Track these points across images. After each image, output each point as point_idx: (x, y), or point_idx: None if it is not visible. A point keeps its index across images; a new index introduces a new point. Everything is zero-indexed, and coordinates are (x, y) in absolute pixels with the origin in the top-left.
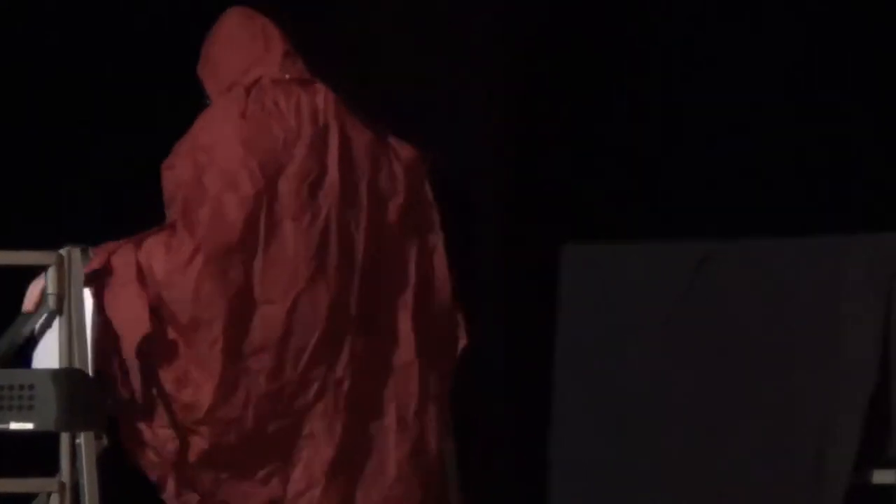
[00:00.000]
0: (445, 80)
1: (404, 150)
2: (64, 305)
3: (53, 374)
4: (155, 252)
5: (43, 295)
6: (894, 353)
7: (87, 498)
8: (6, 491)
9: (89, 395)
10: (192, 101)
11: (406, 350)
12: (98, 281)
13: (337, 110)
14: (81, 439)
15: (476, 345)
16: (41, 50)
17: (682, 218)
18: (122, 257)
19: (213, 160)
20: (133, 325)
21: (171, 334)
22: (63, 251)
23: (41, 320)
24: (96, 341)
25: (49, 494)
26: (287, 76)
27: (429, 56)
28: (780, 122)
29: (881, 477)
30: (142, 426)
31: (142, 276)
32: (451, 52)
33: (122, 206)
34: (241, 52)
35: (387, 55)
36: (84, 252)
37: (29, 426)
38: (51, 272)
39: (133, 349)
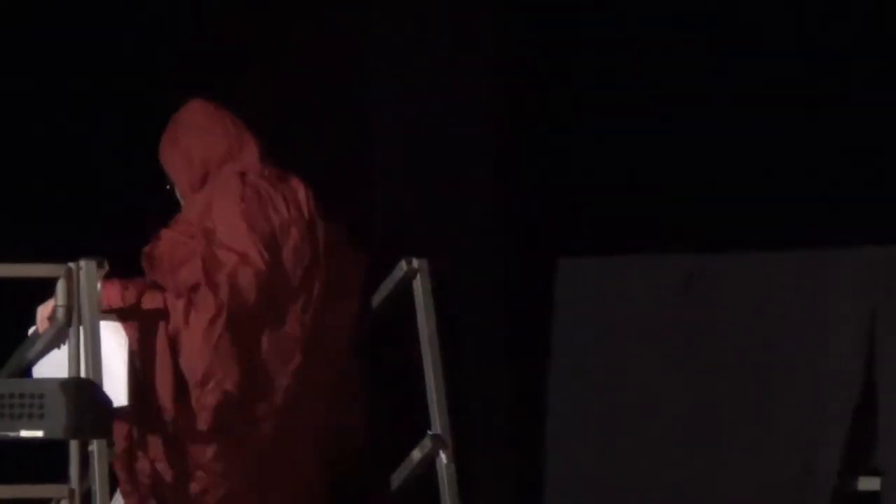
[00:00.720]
0: (440, 98)
1: (353, 249)
2: (73, 317)
3: (63, 383)
4: (180, 320)
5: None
6: (879, 365)
7: (97, 502)
8: (18, 497)
9: (98, 404)
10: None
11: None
12: (129, 319)
13: (316, 204)
14: (94, 447)
15: (477, 358)
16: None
17: (673, 232)
18: (152, 303)
19: (222, 238)
20: (163, 389)
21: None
22: (72, 264)
23: (49, 336)
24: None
25: (59, 501)
26: (267, 172)
27: (425, 72)
28: (768, 138)
29: (867, 484)
30: (140, 457)
31: (173, 346)
32: (446, 67)
33: (126, 218)
34: (215, 146)
35: (379, 62)
36: (100, 265)
37: (39, 434)
38: (60, 284)
39: (168, 401)
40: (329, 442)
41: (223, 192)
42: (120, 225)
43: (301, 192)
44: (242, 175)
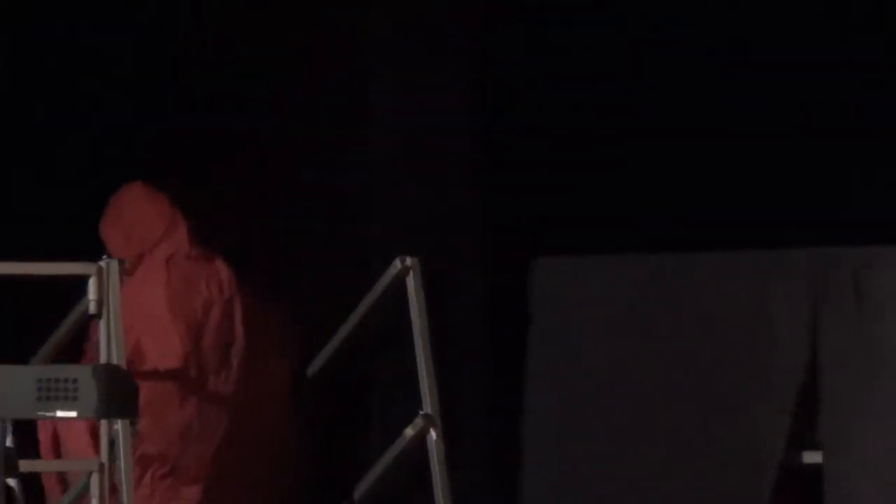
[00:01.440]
0: (428, 114)
1: (276, 310)
2: (103, 310)
3: (94, 368)
4: None
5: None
6: (820, 354)
7: (123, 475)
8: (55, 470)
9: (125, 387)
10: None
11: None
12: None
13: (236, 283)
14: (119, 426)
15: (463, 347)
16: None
17: (640, 233)
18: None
19: (147, 326)
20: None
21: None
22: (102, 262)
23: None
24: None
25: (90, 473)
26: (194, 253)
27: (416, 92)
28: (731, 149)
29: (810, 457)
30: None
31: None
32: (434, 88)
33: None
34: (152, 227)
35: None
36: (121, 264)
37: (73, 414)
38: (92, 281)
39: None
40: (265, 498)
41: (151, 283)
42: None
43: (223, 272)
44: (170, 258)
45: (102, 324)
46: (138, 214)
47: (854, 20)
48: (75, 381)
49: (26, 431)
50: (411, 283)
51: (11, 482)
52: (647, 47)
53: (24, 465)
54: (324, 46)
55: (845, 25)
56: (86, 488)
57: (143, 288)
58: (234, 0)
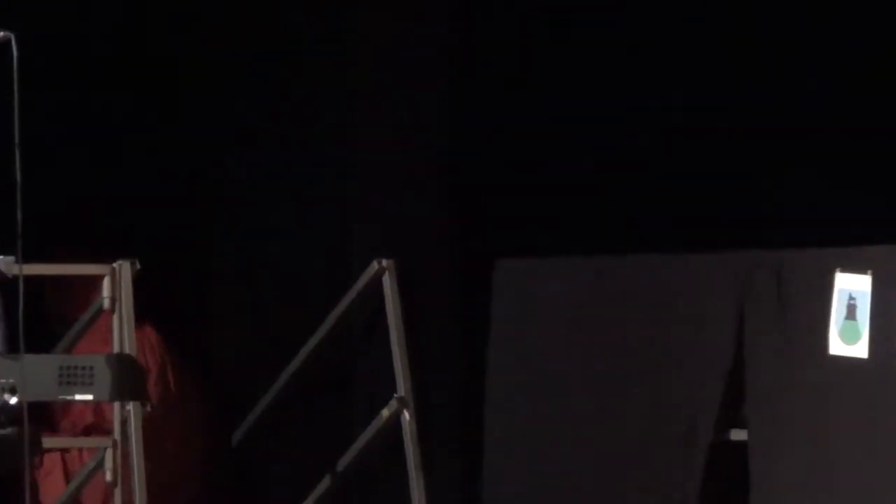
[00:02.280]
0: (404, 134)
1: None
2: (116, 305)
3: (108, 357)
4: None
5: None
6: (745, 345)
7: (134, 451)
8: (76, 447)
9: (135, 374)
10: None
11: None
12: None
13: (166, 346)
14: (131, 407)
15: (433, 337)
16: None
17: (589, 235)
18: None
19: None
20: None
21: None
22: (115, 264)
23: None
24: None
25: (105, 449)
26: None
27: (393, 116)
28: (680, 156)
29: (737, 435)
30: None
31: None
32: (409, 110)
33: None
34: (85, 293)
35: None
36: (132, 265)
37: (89, 397)
38: (106, 280)
39: None
40: None
41: (91, 341)
42: (152, 225)
43: (153, 337)
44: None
45: (115, 318)
46: (70, 281)
47: (772, 21)
48: (92, 368)
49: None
50: (387, 281)
51: None
52: (602, 63)
53: (45, 443)
54: (311, 66)
55: (767, 27)
56: (100, 463)
57: (86, 346)
58: (225, 9)
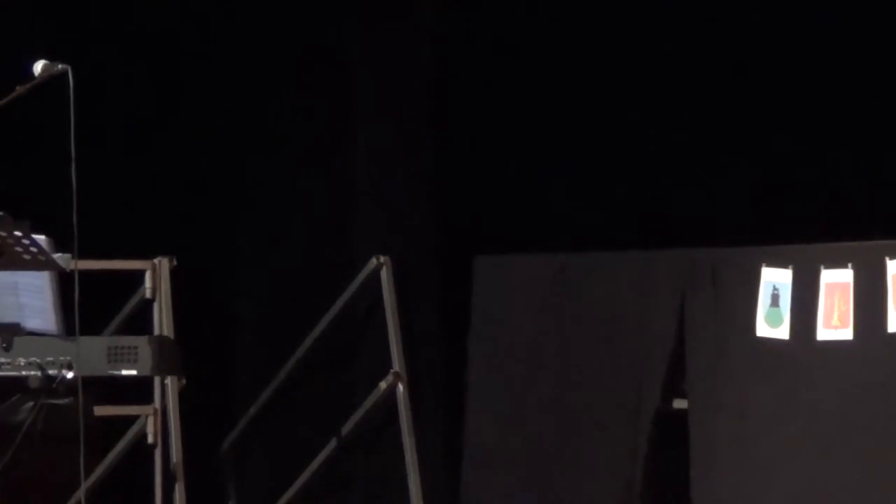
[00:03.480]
0: (398, 147)
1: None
2: (156, 294)
3: (150, 338)
4: None
5: None
6: (686, 327)
7: (171, 418)
8: (118, 414)
9: (172, 353)
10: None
11: None
12: None
13: None
14: (168, 380)
15: (423, 323)
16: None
17: (556, 233)
18: None
19: None
20: None
21: None
22: (156, 260)
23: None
24: None
25: (147, 416)
26: None
27: (388, 130)
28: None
29: (679, 404)
30: None
31: None
32: (401, 127)
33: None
34: None
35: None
36: (170, 260)
37: (134, 372)
38: (148, 274)
39: None
40: None
41: None
42: (191, 220)
43: None
44: None
45: (155, 306)
46: None
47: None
48: (136, 348)
49: None
50: (384, 275)
51: None
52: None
53: (95, 411)
54: (314, 90)
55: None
56: (142, 428)
57: None
58: (233, 23)
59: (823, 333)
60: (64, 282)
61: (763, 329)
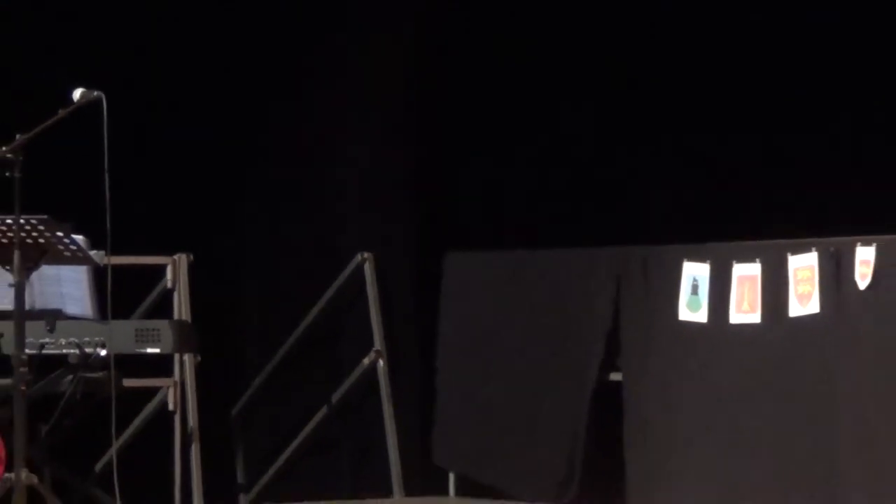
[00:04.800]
0: (377, 155)
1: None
2: (175, 285)
3: (170, 322)
4: None
5: None
6: (621, 312)
7: (189, 389)
8: (144, 386)
9: (190, 334)
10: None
11: None
12: None
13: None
14: (186, 357)
15: (401, 309)
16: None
17: (526, 232)
18: None
19: None
20: None
21: None
22: (175, 256)
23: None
24: None
25: (168, 388)
26: None
27: (370, 145)
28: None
29: (615, 376)
30: None
31: None
32: (381, 140)
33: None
34: None
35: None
36: (188, 256)
37: (157, 350)
38: (169, 268)
39: None
40: None
41: None
42: (205, 222)
43: None
44: None
45: (175, 294)
46: None
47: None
48: (158, 330)
49: None
50: (368, 268)
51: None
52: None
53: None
54: (306, 115)
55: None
56: (164, 398)
57: None
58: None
59: (735, 317)
60: (98, 274)
61: (685, 314)
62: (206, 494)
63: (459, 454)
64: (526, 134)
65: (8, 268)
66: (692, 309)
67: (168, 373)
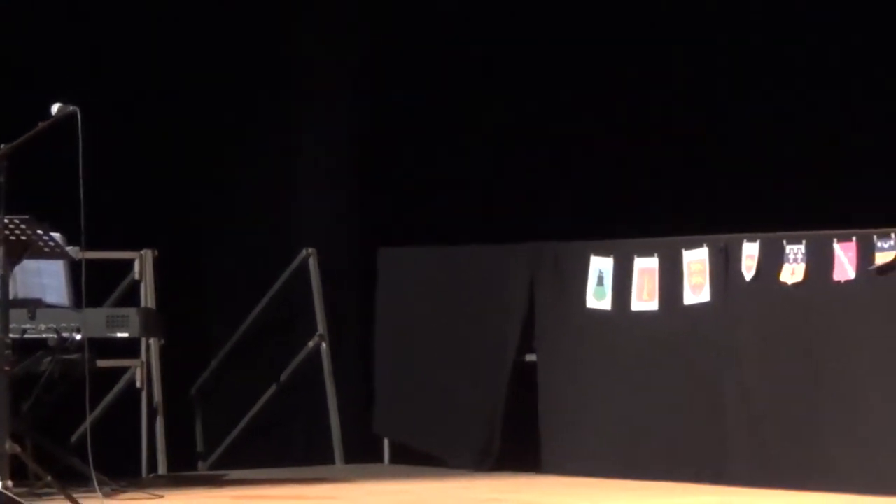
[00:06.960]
0: (325, 159)
1: None
2: (142, 277)
3: (138, 309)
4: None
5: None
6: (535, 299)
7: (154, 369)
8: (114, 366)
9: (156, 320)
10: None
11: None
12: None
13: None
14: (152, 341)
15: (342, 300)
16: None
17: (446, 230)
18: None
19: None
20: None
21: None
22: (142, 251)
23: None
24: None
25: (136, 368)
26: None
27: (324, 152)
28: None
29: (531, 357)
30: None
31: None
32: (331, 148)
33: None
34: None
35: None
36: (153, 252)
37: (126, 334)
38: (136, 261)
39: None
40: None
41: None
42: (169, 221)
43: None
44: None
45: (142, 285)
46: None
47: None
48: (127, 316)
49: None
50: (312, 262)
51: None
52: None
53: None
54: (260, 119)
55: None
56: (132, 377)
57: None
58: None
59: (636, 305)
60: (74, 267)
61: (592, 302)
62: (170, 462)
63: (396, 425)
64: (450, 146)
65: None
66: (598, 298)
67: (136, 354)
